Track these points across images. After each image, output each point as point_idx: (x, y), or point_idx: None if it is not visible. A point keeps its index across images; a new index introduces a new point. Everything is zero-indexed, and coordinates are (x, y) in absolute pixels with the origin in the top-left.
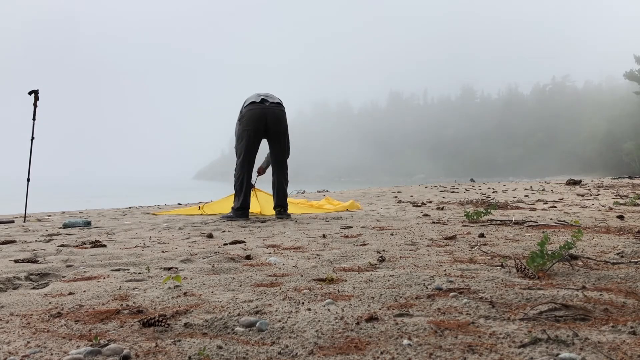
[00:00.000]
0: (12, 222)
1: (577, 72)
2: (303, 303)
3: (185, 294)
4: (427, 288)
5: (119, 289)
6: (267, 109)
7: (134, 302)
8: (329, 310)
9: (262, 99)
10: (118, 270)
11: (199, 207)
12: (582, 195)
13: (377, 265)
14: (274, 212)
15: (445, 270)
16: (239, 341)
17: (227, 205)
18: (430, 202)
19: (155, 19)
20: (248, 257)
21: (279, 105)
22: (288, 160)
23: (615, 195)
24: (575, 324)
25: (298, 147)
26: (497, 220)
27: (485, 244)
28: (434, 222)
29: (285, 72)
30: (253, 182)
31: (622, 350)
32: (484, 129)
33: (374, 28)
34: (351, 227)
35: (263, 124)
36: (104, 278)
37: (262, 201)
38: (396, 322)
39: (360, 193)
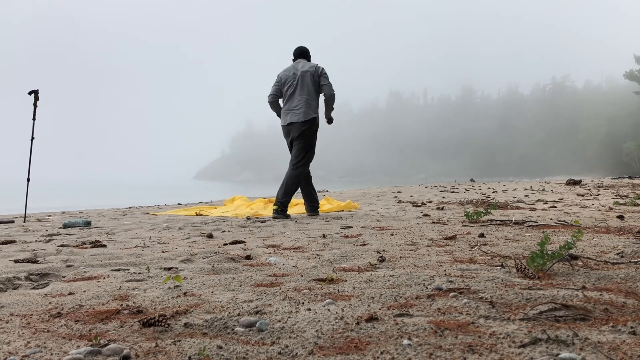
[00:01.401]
0: (12, 222)
1: (577, 72)
2: (303, 303)
3: (185, 294)
4: (427, 288)
5: (119, 289)
6: None
7: (134, 302)
8: (329, 310)
9: None
10: (118, 270)
11: (196, 212)
12: (582, 195)
13: (377, 265)
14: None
15: (445, 270)
16: (239, 341)
17: (224, 210)
18: (430, 202)
19: (157, 18)
20: (248, 257)
21: None
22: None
23: (615, 195)
24: (575, 324)
25: None
26: (497, 220)
27: (485, 244)
28: (434, 222)
29: None
30: None
31: (622, 350)
32: (484, 129)
33: (374, 28)
34: (351, 227)
35: None
36: (104, 278)
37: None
38: (396, 322)
39: (360, 193)
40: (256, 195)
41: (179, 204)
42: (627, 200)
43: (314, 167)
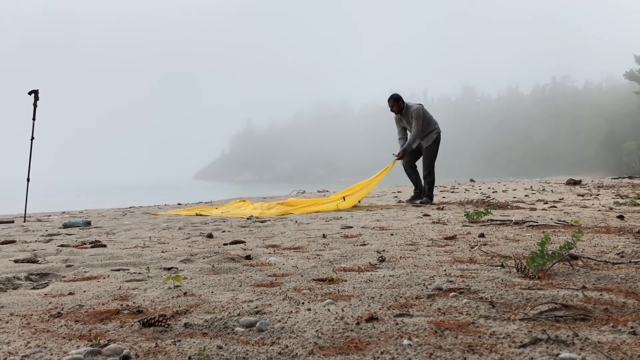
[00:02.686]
0: (12, 222)
1: (577, 72)
2: (303, 303)
3: (185, 294)
4: (427, 288)
5: (119, 289)
6: None
7: (134, 302)
8: (329, 310)
9: None
10: (118, 270)
11: (196, 213)
12: (582, 195)
13: (377, 265)
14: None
15: (445, 270)
16: (239, 341)
17: (225, 210)
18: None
19: (156, 18)
20: (248, 257)
21: None
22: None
23: (616, 195)
24: (575, 324)
25: (298, 147)
26: (497, 220)
27: (485, 244)
28: (434, 222)
29: (286, 72)
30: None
31: (622, 350)
32: (484, 129)
33: (374, 28)
34: (351, 227)
35: None
36: (104, 278)
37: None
38: (396, 322)
39: None
40: (256, 196)
41: (179, 204)
42: (627, 200)
43: (315, 167)
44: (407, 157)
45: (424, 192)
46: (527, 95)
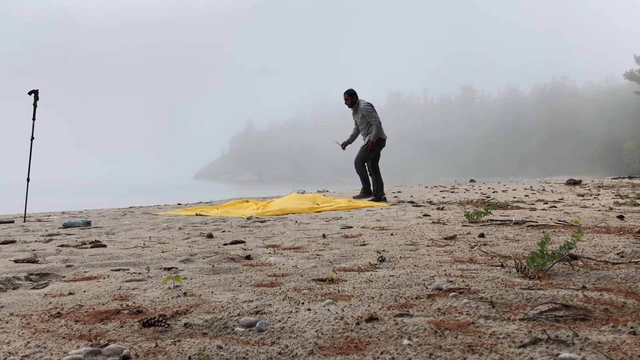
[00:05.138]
0: (12, 222)
1: (577, 72)
2: (303, 303)
3: (185, 294)
4: (427, 288)
5: (119, 289)
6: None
7: (134, 302)
8: (329, 310)
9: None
10: (118, 270)
11: (196, 213)
12: (582, 195)
13: (377, 265)
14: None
15: (445, 270)
16: (239, 341)
17: (225, 209)
18: (431, 202)
19: (156, 18)
20: (248, 257)
21: None
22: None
23: (616, 195)
24: (575, 324)
25: (298, 147)
26: (497, 220)
27: (485, 244)
28: (434, 222)
29: (286, 72)
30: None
31: (622, 350)
32: (484, 129)
33: (374, 28)
34: (351, 227)
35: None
36: (104, 278)
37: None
38: (396, 322)
39: None
40: (256, 196)
41: (179, 204)
42: (627, 200)
43: (315, 167)
44: (361, 153)
45: (374, 193)
46: (527, 95)
